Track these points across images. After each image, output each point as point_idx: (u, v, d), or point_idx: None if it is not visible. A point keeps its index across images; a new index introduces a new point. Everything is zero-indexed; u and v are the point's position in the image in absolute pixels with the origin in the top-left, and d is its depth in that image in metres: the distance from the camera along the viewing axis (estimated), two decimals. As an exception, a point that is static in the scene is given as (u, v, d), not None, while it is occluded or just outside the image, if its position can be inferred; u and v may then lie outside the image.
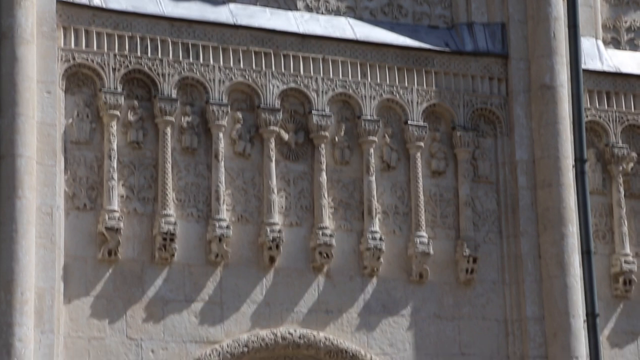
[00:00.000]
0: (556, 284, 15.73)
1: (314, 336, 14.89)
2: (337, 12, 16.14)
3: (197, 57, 15.15)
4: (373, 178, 15.57)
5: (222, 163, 14.99)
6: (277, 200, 15.13)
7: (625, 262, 16.28)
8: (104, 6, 14.86)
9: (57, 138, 14.42)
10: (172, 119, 14.88)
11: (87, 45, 14.79)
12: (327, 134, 15.50)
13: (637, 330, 16.26)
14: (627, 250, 16.40)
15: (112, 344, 14.24)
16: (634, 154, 16.77)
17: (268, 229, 14.89)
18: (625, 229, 16.51)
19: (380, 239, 15.38)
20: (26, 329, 13.56)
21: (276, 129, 15.26)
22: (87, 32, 14.81)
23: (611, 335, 16.14)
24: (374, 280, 15.39)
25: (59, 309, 14.02)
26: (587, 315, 15.70)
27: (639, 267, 16.46)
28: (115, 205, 14.47)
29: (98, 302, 14.30)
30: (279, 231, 14.98)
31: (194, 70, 15.05)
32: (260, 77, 15.29)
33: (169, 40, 15.07)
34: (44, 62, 14.45)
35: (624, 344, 16.18)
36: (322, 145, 15.45)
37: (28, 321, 13.60)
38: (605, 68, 16.91)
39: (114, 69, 14.77)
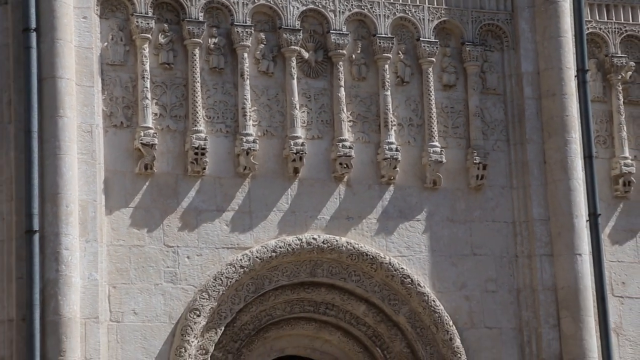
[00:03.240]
0: (560, 187, 15.80)
1: (337, 241, 14.90)
2: None
3: None
4: (388, 92, 15.57)
5: (248, 81, 14.93)
6: (300, 115, 15.07)
7: (625, 165, 16.32)
8: None
9: (93, 60, 14.39)
10: (200, 40, 14.71)
11: None
12: (344, 52, 15.43)
13: (636, 228, 16.34)
14: (627, 153, 16.46)
15: (150, 251, 14.24)
16: (632, 63, 16.76)
17: (292, 142, 14.86)
18: (624, 134, 16.55)
19: (396, 149, 15.38)
20: (72, 238, 13.70)
21: (297, 48, 15.19)
22: None
23: (612, 233, 16.24)
24: (391, 187, 15.41)
25: (101, 219, 14.08)
26: (589, 215, 15.88)
27: (638, 169, 16.44)
28: (150, 122, 14.43)
29: (137, 212, 14.32)
30: (302, 144, 14.97)
31: None
32: (281, 0, 15.09)
33: None
34: None
35: (623, 240, 16.29)
36: (340, 63, 15.39)
37: (73, 231, 13.73)
38: None
39: None
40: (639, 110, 16.70)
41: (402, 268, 15.02)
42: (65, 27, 14.00)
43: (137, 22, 14.50)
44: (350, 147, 15.20)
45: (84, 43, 14.24)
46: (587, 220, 15.74)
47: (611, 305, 15.74)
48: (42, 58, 13.92)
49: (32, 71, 13.81)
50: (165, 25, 14.71)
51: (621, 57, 16.64)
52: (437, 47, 15.88)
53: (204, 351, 14.14)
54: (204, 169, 14.56)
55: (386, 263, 14.97)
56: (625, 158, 16.37)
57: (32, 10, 13.87)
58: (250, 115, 14.80)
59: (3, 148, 13.77)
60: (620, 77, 16.60)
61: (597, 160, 16.21)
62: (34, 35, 13.85)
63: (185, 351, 13.95)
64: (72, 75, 14.04)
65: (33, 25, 13.87)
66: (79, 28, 14.23)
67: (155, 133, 14.41)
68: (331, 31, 15.33)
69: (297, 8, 15.19)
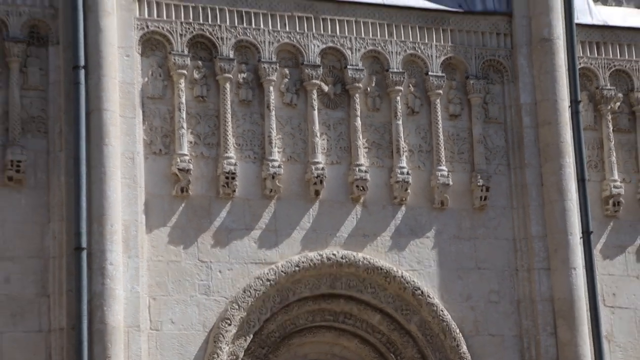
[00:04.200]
0: (556, 207, 15.69)
1: (354, 256, 14.92)
2: None
3: (250, 23, 14.97)
4: (400, 122, 15.51)
5: (273, 112, 14.93)
6: (320, 142, 15.10)
7: (614, 186, 16.22)
8: None
9: (135, 94, 14.36)
10: (231, 76, 14.77)
11: (158, 15, 14.62)
12: (360, 85, 15.37)
13: (625, 244, 16.27)
14: (616, 177, 16.32)
15: (186, 266, 14.30)
16: (620, 95, 16.61)
17: (313, 167, 14.91)
18: (614, 159, 16.39)
19: (407, 173, 15.34)
20: (116, 254, 13.69)
21: (317, 82, 15.18)
22: (158, 3, 14.65)
23: (603, 249, 16.18)
24: (403, 208, 15.36)
25: (142, 237, 14.09)
26: (582, 232, 15.73)
27: (626, 190, 16.30)
28: (186, 150, 14.44)
29: (174, 231, 14.34)
30: (322, 169, 14.96)
31: (248, 34, 14.92)
32: (303, 38, 15.18)
33: (226, 9, 14.89)
34: (123, 30, 14.33)
35: (614, 256, 16.23)
36: (357, 95, 15.35)
37: (117, 248, 13.73)
38: (595, 22, 16.68)
39: (181, 35, 14.63)
40: (626, 137, 16.56)
41: (413, 281, 15.10)
42: (110, 65, 14.07)
43: (174, 59, 14.58)
44: (365, 171, 15.18)
45: (127, 79, 14.30)
46: (580, 238, 15.70)
47: (603, 315, 15.78)
48: (90, 93, 13.97)
49: (80, 104, 13.91)
50: (200, 62, 14.76)
51: (610, 89, 16.55)
52: (444, 81, 15.79)
53: (234, 357, 14.33)
54: (234, 191, 14.60)
55: (399, 276, 15.05)
56: (615, 181, 16.28)
57: (81, 50, 13.97)
58: (275, 143, 14.90)
59: (55, 173, 13.93)
60: (609, 107, 16.54)
61: (590, 182, 16.08)
62: (82, 72, 13.94)
63: (218, 357, 14.13)
64: (116, 108, 14.09)
65: (82, 63, 13.95)
66: (123, 65, 14.26)
67: (191, 159, 14.46)
68: (348, 66, 15.36)
69: (318, 46, 15.26)
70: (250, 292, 14.42)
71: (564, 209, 15.71)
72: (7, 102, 13.89)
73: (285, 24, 15.16)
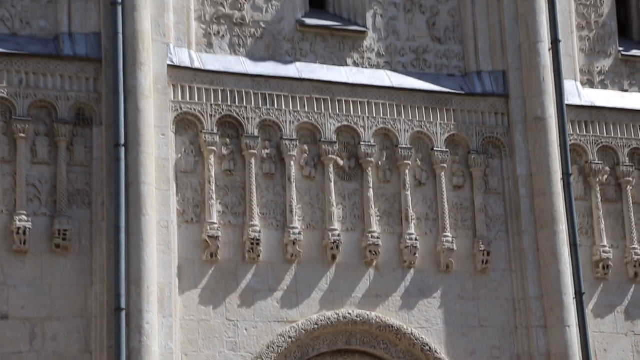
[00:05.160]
0: (551, 270, 15.65)
1: (368, 315, 14.93)
2: (378, 66, 15.89)
3: (273, 104, 15.07)
4: (409, 192, 15.52)
5: (294, 184, 15.01)
6: (336, 211, 15.14)
7: (604, 251, 16.23)
8: (202, 68, 14.85)
9: (170, 169, 14.44)
10: (255, 151, 14.88)
11: (190, 98, 14.72)
12: (372, 159, 15.44)
13: (614, 304, 16.21)
14: (605, 242, 16.31)
15: (215, 325, 14.32)
16: (607, 168, 16.62)
17: (330, 234, 14.97)
18: (602, 226, 16.37)
19: (416, 239, 15.35)
20: (152, 314, 13.77)
21: (334, 157, 15.27)
22: (190, 88, 14.75)
23: (595, 308, 16.11)
24: (412, 271, 15.36)
25: (175, 298, 14.16)
26: (575, 293, 15.69)
27: (615, 255, 16.28)
28: (215, 218, 14.49)
29: (204, 292, 14.38)
30: (338, 235, 15.02)
31: (271, 114, 15.04)
32: (320, 118, 15.29)
33: (252, 92, 15.00)
34: (159, 111, 14.43)
35: (604, 315, 16.17)
36: (369, 168, 15.40)
37: (153, 308, 13.80)
38: (583, 103, 16.70)
39: (210, 115, 14.74)
40: (614, 206, 16.56)
41: (422, 338, 15.12)
42: (148, 143, 14.22)
43: (205, 137, 14.72)
44: (378, 238, 15.20)
45: (162, 155, 14.42)
46: (574, 298, 15.66)
47: (596, 369, 15.88)
48: (129, 168, 14.06)
49: (120, 178, 14.00)
50: (227, 139, 14.89)
51: (598, 163, 16.55)
52: (448, 156, 15.80)
53: (260, 407, 14.40)
54: (259, 256, 14.68)
55: (409, 333, 15.09)
56: (604, 246, 16.30)
57: (122, 130, 14.11)
58: (296, 212, 14.99)
59: (97, 241, 14.07)
60: (598, 179, 16.51)
61: (581, 247, 15.99)
62: (122, 149, 14.07)
63: (244, 407, 14.22)
64: (153, 181, 14.19)
65: (122, 141, 14.09)
66: (159, 143, 14.40)
67: (219, 227, 14.55)
68: (361, 143, 15.44)
69: (334, 124, 15.41)
70: (273, 348, 14.48)
71: (558, 272, 15.67)
72: (56, 177, 14.11)
73: (304, 105, 15.30)
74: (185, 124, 14.80)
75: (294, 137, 15.18)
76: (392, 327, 15.05)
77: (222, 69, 14.99)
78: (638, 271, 16.33)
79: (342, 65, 15.77)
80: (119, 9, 14.26)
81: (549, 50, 16.24)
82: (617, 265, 16.31)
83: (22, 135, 14.00)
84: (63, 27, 14.41)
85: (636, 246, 16.41)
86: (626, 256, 16.41)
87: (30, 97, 14.11)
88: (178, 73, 14.75)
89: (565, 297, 15.59)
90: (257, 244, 14.67)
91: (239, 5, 15.34)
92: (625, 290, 16.31)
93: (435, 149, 15.82)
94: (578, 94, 16.79)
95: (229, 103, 14.93)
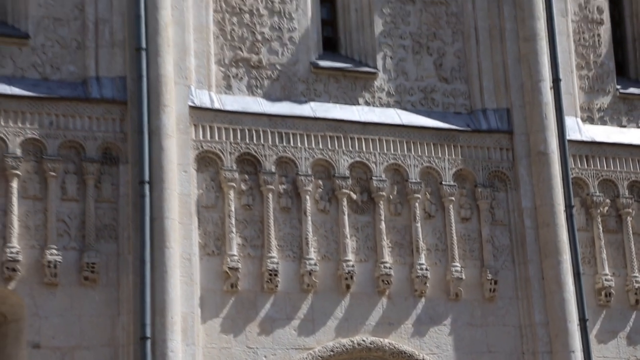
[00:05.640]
0: (556, 298, 15.67)
1: (381, 342, 15.00)
2: (388, 105, 16.01)
3: (289, 142, 15.18)
4: (419, 224, 15.59)
5: (309, 217, 15.12)
6: (350, 243, 15.20)
7: (606, 280, 16.26)
8: (222, 108, 14.98)
9: (192, 204, 14.58)
10: (272, 187, 15.01)
11: (211, 137, 14.84)
12: (384, 193, 15.50)
13: (617, 330, 16.22)
14: (607, 271, 16.34)
15: (236, 352, 14.43)
16: (607, 200, 16.65)
17: (344, 265, 15.07)
18: (604, 255, 16.40)
19: (426, 269, 15.42)
20: (175, 342, 13.87)
21: (347, 191, 15.35)
22: (210, 127, 14.87)
23: (598, 334, 16.14)
24: (423, 299, 15.42)
25: (198, 327, 14.26)
26: (579, 320, 15.75)
27: (616, 283, 16.32)
28: (235, 251, 14.63)
29: (225, 321, 14.50)
30: (352, 266, 15.07)
31: (287, 151, 15.13)
32: (334, 154, 15.38)
33: (268, 131, 15.13)
34: (181, 150, 14.54)
35: (607, 340, 16.19)
36: (381, 202, 15.48)
37: (177, 337, 13.92)
38: (584, 138, 16.73)
39: (230, 153, 14.86)
40: (615, 237, 16.59)
41: None
42: (171, 180, 14.36)
43: (225, 174, 14.85)
44: (390, 268, 15.27)
45: (185, 191, 14.55)
46: (578, 325, 15.70)
47: (600, 393, 15.97)
48: (153, 203, 14.20)
49: (145, 214, 14.15)
50: (246, 175, 15.01)
51: (599, 195, 16.60)
52: (455, 189, 15.87)
53: None
54: (277, 286, 14.80)
55: (420, 359, 15.16)
56: (606, 274, 16.35)
57: (146, 167, 14.25)
58: (311, 244, 15.12)
59: (124, 273, 14.20)
60: (599, 211, 16.56)
61: (584, 276, 16.03)
62: (147, 186, 14.22)
63: None
64: (176, 216, 14.31)
65: (147, 178, 14.23)
66: (181, 180, 14.53)
67: (239, 259, 14.66)
68: (373, 178, 15.55)
69: (347, 160, 15.49)
70: (291, 374, 14.64)
71: (563, 300, 15.71)
72: (84, 212, 14.27)
73: (319, 143, 15.46)
74: (206, 161, 14.94)
75: (309, 172, 15.32)
76: (405, 353, 15.11)
77: (240, 109, 15.17)
78: (639, 298, 16.28)
79: (354, 104, 15.92)
80: (143, 54, 14.47)
81: (551, 88, 16.37)
82: (619, 292, 16.35)
83: (53, 173, 14.20)
84: (91, 72, 14.61)
85: (637, 274, 16.42)
86: (627, 284, 16.42)
87: (60, 137, 14.32)
88: (199, 113, 14.92)
89: (569, 324, 15.64)
90: (275, 275, 14.78)
91: (256, 49, 15.53)
92: (627, 316, 16.35)
93: (443, 183, 15.89)
94: (579, 129, 16.83)
95: (247, 141, 15.11)
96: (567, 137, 16.38)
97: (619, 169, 16.79)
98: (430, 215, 15.82)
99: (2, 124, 14.07)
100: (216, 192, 14.88)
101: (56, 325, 13.81)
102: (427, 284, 15.44)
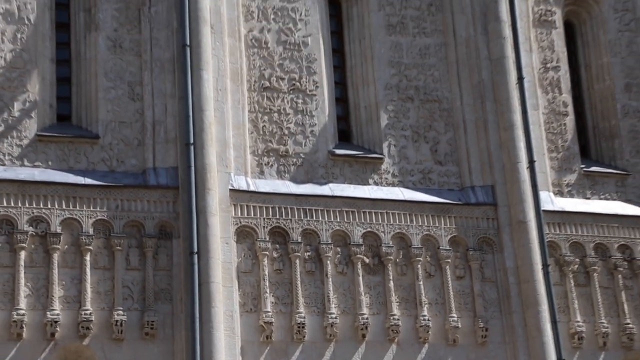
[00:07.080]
0: (537, 342, 15.99)
1: None
2: (393, 184, 16.50)
3: (312, 217, 15.76)
4: (421, 282, 16.04)
5: (330, 279, 15.65)
6: (364, 299, 15.67)
7: (578, 326, 16.59)
8: (256, 190, 15.69)
9: (232, 270, 15.17)
10: (299, 254, 15.62)
11: (247, 214, 15.52)
12: (391, 257, 15.99)
13: None
14: (578, 318, 16.65)
15: None
16: (577, 260, 16.91)
17: (360, 317, 15.59)
18: (576, 305, 16.69)
19: (428, 319, 15.84)
20: None
21: (361, 256, 15.86)
22: (247, 206, 15.56)
23: None
24: (426, 345, 15.79)
25: None
26: None
27: (586, 329, 16.58)
28: (269, 308, 15.24)
29: None
30: (367, 318, 15.57)
31: (311, 224, 15.76)
32: (349, 226, 15.97)
33: (295, 208, 15.75)
34: (223, 225, 15.13)
35: None
36: (389, 265, 15.96)
37: None
38: (556, 209, 17.05)
39: (263, 227, 15.56)
40: (584, 290, 16.81)
41: None
42: (215, 250, 15.02)
43: (259, 244, 15.57)
44: (398, 319, 15.73)
45: (227, 259, 15.13)
46: None
47: None
48: (201, 270, 14.77)
49: (195, 279, 14.75)
50: (277, 245, 15.64)
51: (570, 256, 16.92)
52: (451, 253, 16.31)
53: None
54: (304, 337, 15.36)
55: None
56: (578, 322, 16.63)
57: (195, 241, 14.88)
58: (332, 301, 15.69)
59: (178, 329, 14.89)
60: (570, 269, 16.79)
61: (560, 323, 16.20)
62: (196, 256, 14.84)
63: None
64: (220, 280, 14.92)
65: (195, 250, 14.90)
66: (224, 250, 15.17)
67: (273, 315, 15.26)
68: (382, 245, 16.10)
69: (360, 231, 16.08)
70: (319, 411, 15.20)
71: (543, 343, 16.00)
72: (144, 279, 15.01)
73: (336, 217, 16.06)
74: (244, 234, 15.62)
75: (329, 241, 15.96)
76: (412, 391, 15.70)
77: (271, 191, 15.88)
78: (606, 341, 16.63)
79: (365, 184, 16.51)
80: (192, 148, 15.24)
81: (527, 168, 16.70)
82: (589, 336, 16.72)
83: (119, 248, 14.93)
84: (149, 164, 15.32)
85: (603, 321, 16.78)
86: (596, 329, 16.86)
87: (124, 218, 15.06)
88: (238, 195, 15.66)
89: (549, 364, 16.02)
90: (303, 327, 15.35)
91: (284, 141, 16.14)
92: (597, 356, 16.73)
93: (440, 247, 16.39)
94: (551, 201, 17.14)
95: (278, 217, 15.79)
96: (542, 208, 16.70)
97: (585, 233, 17.19)
98: (430, 275, 16.31)
99: (78, 208, 14.75)
100: (252, 259, 15.53)
101: (123, 373, 14.56)
102: (430, 332, 15.89)
